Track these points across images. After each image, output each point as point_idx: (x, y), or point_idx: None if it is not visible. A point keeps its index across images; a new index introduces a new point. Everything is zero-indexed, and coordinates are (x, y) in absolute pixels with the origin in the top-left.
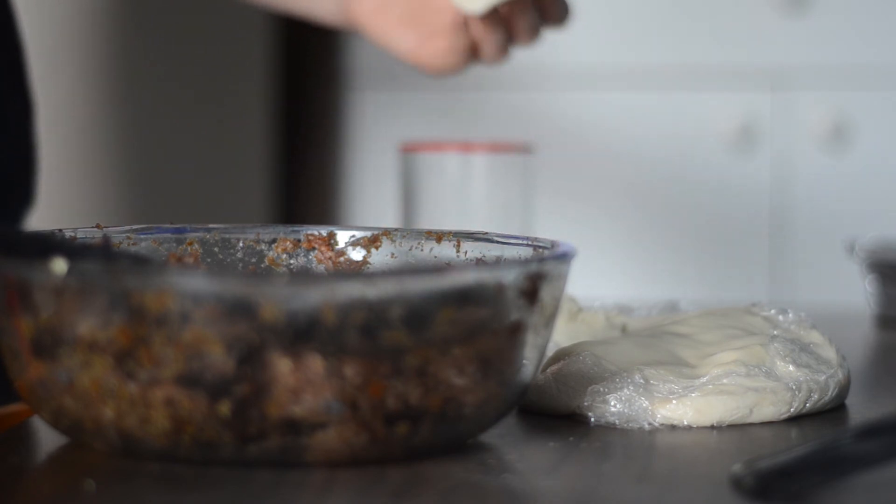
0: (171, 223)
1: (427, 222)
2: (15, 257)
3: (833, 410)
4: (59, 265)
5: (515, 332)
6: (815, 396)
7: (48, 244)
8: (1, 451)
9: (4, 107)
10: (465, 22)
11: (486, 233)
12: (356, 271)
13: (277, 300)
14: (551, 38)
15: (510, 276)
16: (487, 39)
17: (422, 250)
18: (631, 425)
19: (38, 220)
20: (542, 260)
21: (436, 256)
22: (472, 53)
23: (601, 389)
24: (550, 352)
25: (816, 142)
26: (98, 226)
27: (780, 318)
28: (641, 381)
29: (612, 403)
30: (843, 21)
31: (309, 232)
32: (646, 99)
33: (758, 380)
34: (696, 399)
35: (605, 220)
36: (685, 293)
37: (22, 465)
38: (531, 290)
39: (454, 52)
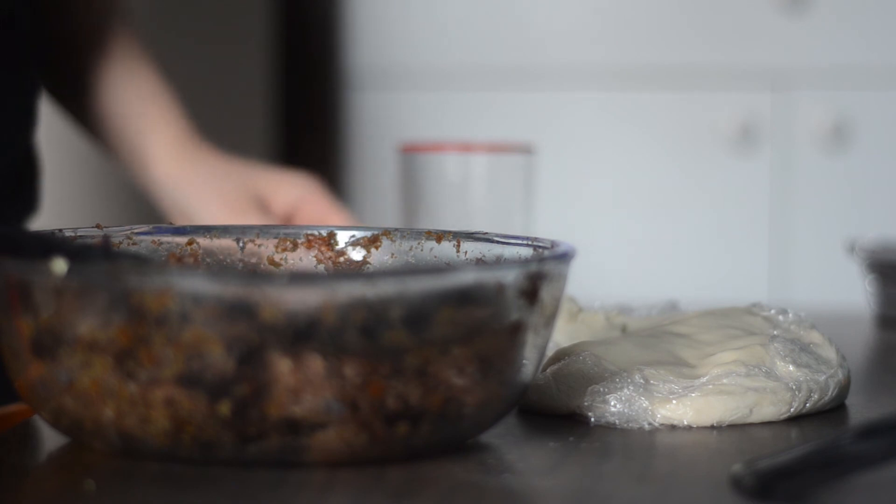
0: (172, 223)
1: (427, 222)
2: (15, 257)
3: (833, 410)
4: (59, 265)
5: (515, 332)
6: (815, 396)
7: (49, 244)
8: (1, 451)
9: (7, 116)
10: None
11: (486, 233)
12: (356, 271)
13: (277, 300)
14: (552, 39)
15: (510, 276)
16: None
17: (422, 250)
18: (631, 425)
19: (41, 222)
20: (542, 260)
21: (436, 256)
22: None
23: (601, 389)
24: (550, 352)
25: (816, 142)
26: (98, 226)
27: (780, 318)
28: (641, 381)
29: (612, 403)
30: (843, 21)
31: (309, 232)
32: (646, 99)
33: (758, 380)
34: (696, 399)
35: (605, 220)
36: (685, 293)
37: (22, 465)
38: (531, 290)
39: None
